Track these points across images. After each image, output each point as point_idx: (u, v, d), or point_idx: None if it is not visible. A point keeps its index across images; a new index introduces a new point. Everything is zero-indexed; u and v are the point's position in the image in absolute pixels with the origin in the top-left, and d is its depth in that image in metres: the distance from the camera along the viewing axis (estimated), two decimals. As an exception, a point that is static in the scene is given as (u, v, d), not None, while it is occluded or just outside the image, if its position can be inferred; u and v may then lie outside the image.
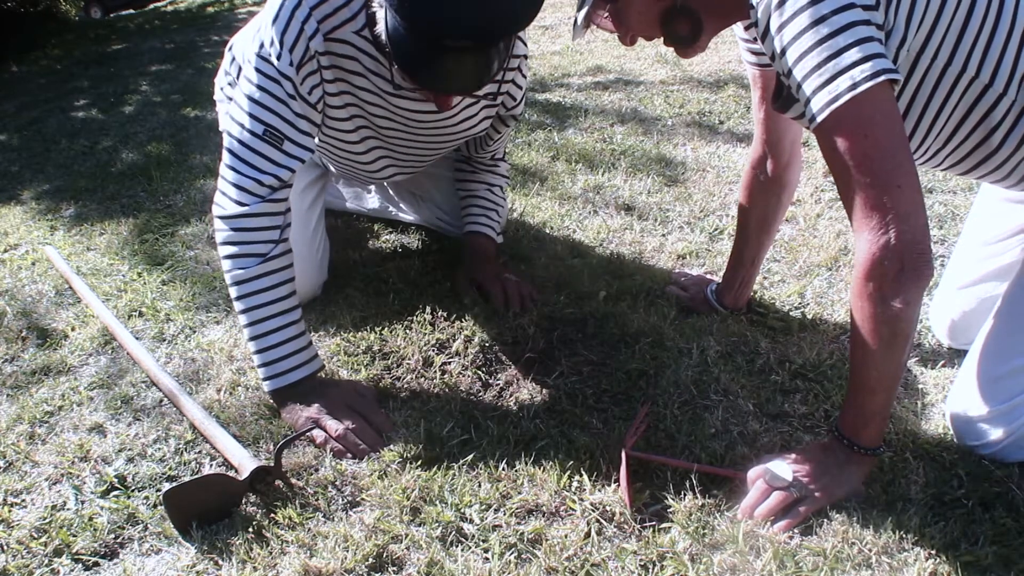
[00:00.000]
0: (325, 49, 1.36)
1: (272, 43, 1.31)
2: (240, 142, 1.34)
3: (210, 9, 7.64)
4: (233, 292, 1.36)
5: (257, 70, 1.33)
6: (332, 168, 1.81)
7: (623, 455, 1.16)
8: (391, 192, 2.05)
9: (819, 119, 0.94)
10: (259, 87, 1.33)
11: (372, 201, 2.10)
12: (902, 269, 0.93)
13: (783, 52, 0.95)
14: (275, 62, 1.31)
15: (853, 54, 0.91)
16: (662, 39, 1.15)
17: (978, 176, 1.17)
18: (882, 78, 0.90)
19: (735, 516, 1.10)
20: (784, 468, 1.10)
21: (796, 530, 1.07)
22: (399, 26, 1.17)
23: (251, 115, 1.33)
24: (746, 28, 1.28)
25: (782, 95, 1.13)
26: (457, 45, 1.17)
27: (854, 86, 0.91)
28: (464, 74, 1.22)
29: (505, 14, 1.17)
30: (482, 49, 1.19)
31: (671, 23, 1.11)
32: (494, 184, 1.83)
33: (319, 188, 1.81)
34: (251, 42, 1.36)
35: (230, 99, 1.37)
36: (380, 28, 1.23)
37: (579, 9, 1.13)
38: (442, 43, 1.16)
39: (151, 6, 10.35)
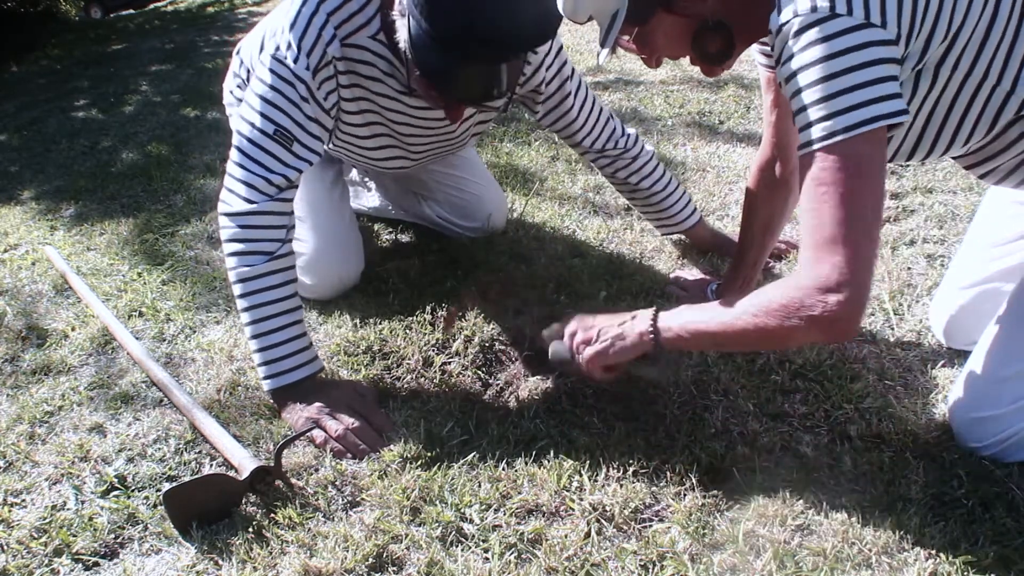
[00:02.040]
0: (342, 55, 1.37)
1: (289, 46, 1.33)
2: (250, 140, 1.35)
3: (210, 9, 7.65)
4: (237, 290, 1.36)
5: (272, 71, 1.34)
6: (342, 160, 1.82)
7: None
8: (392, 191, 2.05)
9: (811, 148, 0.94)
10: (272, 87, 1.34)
11: (372, 200, 2.10)
12: (831, 318, 0.92)
13: (790, 77, 0.95)
14: (291, 64, 1.32)
15: (859, 95, 0.90)
16: (688, 59, 1.13)
17: (977, 173, 1.17)
18: (879, 124, 0.90)
19: (735, 516, 1.10)
20: (561, 347, 1.26)
21: (796, 530, 1.07)
22: (423, 33, 1.19)
23: (262, 115, 1.34)
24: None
25: None
26: (481, 55, 1.20)
27: (852, 127, 0.90)
28: (483, 84, 1.25)
29: (532, 27, 1.21)
30: (504, 61, 1.22)
31: (702, 42, 1.09)
32: (652, 174, 1.71)
33: (342, 183, 1.84)
34: (264, 46, 1.37)
35: (239, 100, 1.38)
36: (400, 36, 1.25)
37: (604, 36, 1.09)
38: (467, 52, 1.18)
39: (151, 6, 10.35)
